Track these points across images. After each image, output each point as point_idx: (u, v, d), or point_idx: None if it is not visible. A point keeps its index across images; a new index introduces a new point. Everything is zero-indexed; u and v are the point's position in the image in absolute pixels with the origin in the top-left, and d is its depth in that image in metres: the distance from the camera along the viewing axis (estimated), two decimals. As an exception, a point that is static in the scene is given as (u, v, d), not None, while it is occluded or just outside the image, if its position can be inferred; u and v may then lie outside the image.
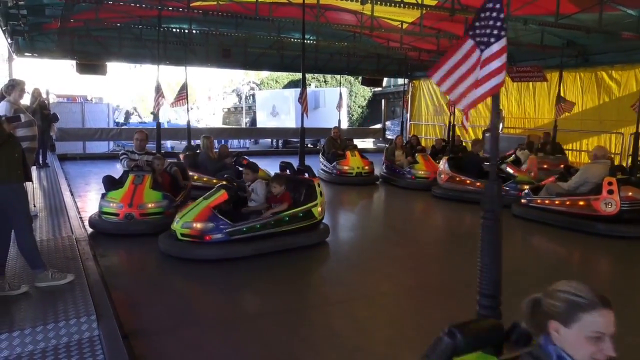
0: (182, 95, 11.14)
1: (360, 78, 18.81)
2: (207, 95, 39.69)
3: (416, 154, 11.19)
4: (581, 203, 7.19)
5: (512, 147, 13.23)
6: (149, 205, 6.52)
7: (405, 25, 12.57)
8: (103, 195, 6.60)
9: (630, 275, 5.67)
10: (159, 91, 9.25)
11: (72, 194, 8.91)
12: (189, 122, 11.47)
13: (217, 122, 36.32)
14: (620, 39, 10.57)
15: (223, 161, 9.46)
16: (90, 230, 6.53)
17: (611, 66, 12.77)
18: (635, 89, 12.68)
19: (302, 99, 8.28)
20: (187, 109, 11.34)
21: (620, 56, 12.41)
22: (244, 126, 33.45)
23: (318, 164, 11.92)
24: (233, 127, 32.81)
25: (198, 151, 9.93)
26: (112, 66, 17.38)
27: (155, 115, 8.66)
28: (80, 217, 7.13)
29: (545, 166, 11.24)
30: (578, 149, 13.93)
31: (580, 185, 7.37)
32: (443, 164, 9.99)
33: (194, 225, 5.53)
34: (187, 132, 11.36)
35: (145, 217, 6.46)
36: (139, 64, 23.07)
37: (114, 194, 6.50)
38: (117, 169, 14.19)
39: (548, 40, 12.12)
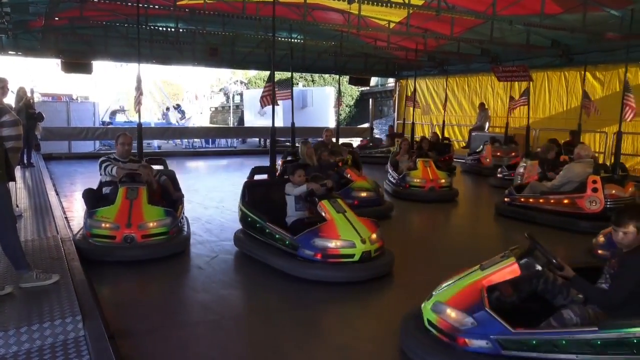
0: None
1: (347, 77, 18.81)
2: (194, 94, 39.45)
3: (417, 159, 9.84)
4: (565, 201, 7.28)
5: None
6: (151, 225, 5.48)
7: (392, 25, 12.61)
8: (91, 214, 5.49)
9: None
10: (139, 89, 8.20)
11: (57, 194, 8.82)
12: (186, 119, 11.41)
13: (204, 121, 36.15)
14: (603, 39, 10.70)
15: (326, 172, 7.71)
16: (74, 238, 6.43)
17: (595, 66, 12.94)
18: (618, 89, 12.85)
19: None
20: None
21: (603, 56, 12.57)
22: (231, 125, 33.34)
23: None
24: (221, 126, 32.72)
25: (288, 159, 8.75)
26: (98, 65, 17.26)
27: (139, 115, 7.96)
28: (66, 217, 7.06)
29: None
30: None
31: (564, 184, 7.45)
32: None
33: (448, 312, 3.24)
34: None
35: (148, 239, 5.43)
36: (126, 63, 22.87)
37: (105, 212, 5.44)
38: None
39: (533, 40, 12.23)
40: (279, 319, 4.20)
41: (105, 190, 5.99)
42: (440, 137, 14.74)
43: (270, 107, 7.13)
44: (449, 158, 13.48)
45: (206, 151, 19.77)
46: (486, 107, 16.30)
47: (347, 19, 12.27)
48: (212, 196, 9.34)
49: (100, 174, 6.13)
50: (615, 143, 8.40)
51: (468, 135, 16.13)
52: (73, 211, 7.87)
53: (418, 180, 9.46)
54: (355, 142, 21.56)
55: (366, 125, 23.68)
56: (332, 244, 4.86)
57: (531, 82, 13.29)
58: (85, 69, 14.52)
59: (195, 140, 22.33)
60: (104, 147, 20.56)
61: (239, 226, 6.19)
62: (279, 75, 35.18)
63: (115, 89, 31.50)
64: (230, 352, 3.55)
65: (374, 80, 26.79)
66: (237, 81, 38.27)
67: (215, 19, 12.28)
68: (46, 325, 3.28)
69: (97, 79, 28.32)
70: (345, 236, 4.91)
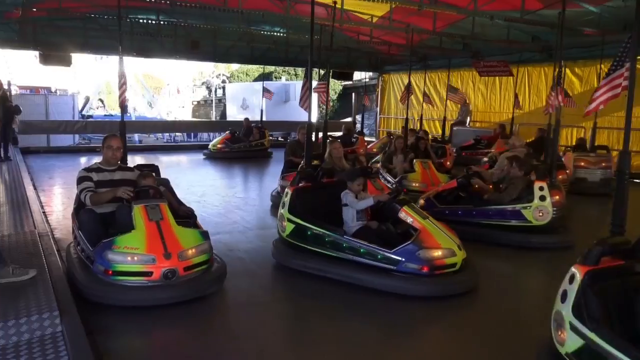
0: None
1: (330, 71, 18.79)
2: (176, 88, 39.09)
3: (414, 160, 8.99)
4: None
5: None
6: (190, 252, 4.23)
7: (375, 19, 12.63)
8: (107, 245, 4.09)
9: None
10: (122, 78, 6.74)
11: (35, 188, 8.68)
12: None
13: (186, 115, 35.87)
14: (582, 35, 10.85)
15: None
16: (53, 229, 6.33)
17: (574, 62, 13.11)
18: (596, 84, 13.05)
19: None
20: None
21: (582, 52, 12.76)
22: (214, 119, 33.12)
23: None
24: (203, 120, 32.49)
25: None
26: (78, 57, 17.01)
27: (122, 110, 6.79)
28: (44, 212, 6.96)
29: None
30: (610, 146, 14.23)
31: (502, 171, 7.43)
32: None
33: None
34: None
35: (190, 272, 4.20)
36: (106, 55, 22.56)
37: (128, 240, 4.09)
38: (80, 165, 13.96)
39: (514, 36, 12.36)
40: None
41: (101, 209, 4.56)
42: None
43: (252, 101, 6.74)
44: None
45: (188, 145, 19.61)
46: (467, 101, 16.44)
47: (331, 12, 12.23)
48: (194, 191, 9.28)
49: (87, 200, 4.55)
50: (552, 139, 7.50)
51: (450, 130, 16.26)
52: (51, 206, 7.77)
53: (417, 184, 8.58)
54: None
55: (349, 119, 23.72)
56: (437, 253, 4.44)
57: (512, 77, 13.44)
58: (64, 61, 14.26)
59: (177, 134, 22.16)
60: (83, 140, 20.28)
61: (221, 220, 6.19)
62: (262, 70, 35.10)
63: (95, 82, 31.02)
64: (212, 347, 3.54)
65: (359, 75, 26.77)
66: (219, 75, 38.01)
67: (197, 12, 12.16)
68: (22, 321, 3.24)
69: (76, 72, 27.89)
70: (445, 244, 4.54)
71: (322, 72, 17.56)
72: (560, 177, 7.69)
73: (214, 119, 32.95)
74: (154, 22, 12.91)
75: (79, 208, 4.71)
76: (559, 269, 4.19)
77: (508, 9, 10.19)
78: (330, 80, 28.40)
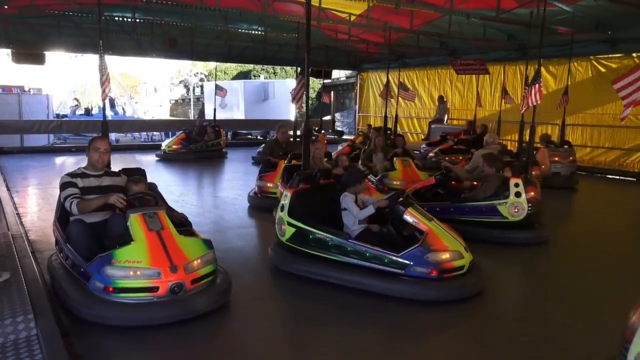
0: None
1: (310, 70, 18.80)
2: (154, 87, 38.66)
3: (394, 158, 8.89)
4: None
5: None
6: (196, 264, 3.91)
7: (353, 18, 12.67)
8: (106, 259, 3.72)
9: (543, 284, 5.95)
10: (104, 74, 6.26)
11: (8, 189, 8.52)
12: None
13: (164, 114, 35.51)
14: (556, 34, 11.04)
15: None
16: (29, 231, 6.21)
17: (548, 60, 13.33)
18: (570, 82, 13.30)
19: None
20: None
21: (556, 50, 12.97)
22: (192, 118, 32.84)
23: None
24: (181, 119, 32.18)
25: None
26: (52, 55, 16.71)
27: (103, 108, 6.64)
28: (18, 214, 6.83)
29: None
30: (516, 139, 14.49)
31: (474, 169, 7.54)
32: None
33: None
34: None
35: (197, 285, 3.89)
36: (80, 54, 22.22)
37: (128, 253, 3.73)
38: (56, 165, 13.75)
39: (490, 34, 12.52)
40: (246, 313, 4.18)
41: (90, 218, 4.20)
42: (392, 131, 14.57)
43: (230, 99, 6.60)
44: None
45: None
46: (445, 99, 16.61)
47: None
48: (172, 190, 9.19)
49: (63, 205, 4.19)
50: (529, 138, 7.45)
51: (428, 127, 16.41)
52: (25, 207, 7.62)
53: (398, 182, 8.49)
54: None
55: (328, 117, 23.75)
56: (446, 256, 4.33)
57: (488, 75, 13.60)
58: (38, 59, 14.00)
59: (155, 133, 21.93)
60: (58, 140, 19.92)
61: (199, 220, 6.12)
62: (240, 68, 34.94)
63: (70, 82, 30.52)
64: (189, 350, 3.52)
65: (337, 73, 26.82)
66: (197, 73, 37.69)
67: (174, 10, 12.06)
68: (-4, 324, 3.17)
69: (51, 71, 27.40)
70: (452, 246, 4.43)
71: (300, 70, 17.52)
72: (534, 172, 7.83)
73: (192, 118, 32.66)
74: (130, 19, 12.75)
75: (63, 218, 4.34)
76: (536, 266, 4.34)
77: (484, 7, 10.33)
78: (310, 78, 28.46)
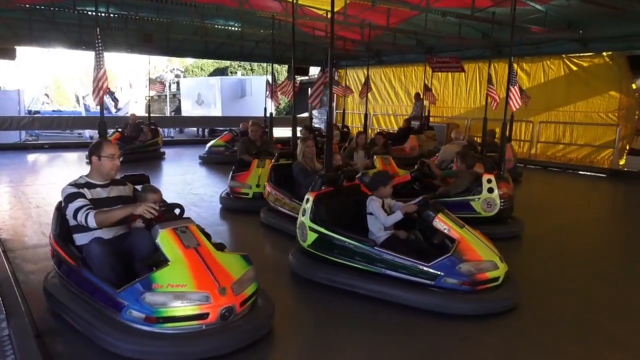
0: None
1: (287, 66, 18.78)
2: (129, 83, 38.09)
3: (375, 156, 8.76)
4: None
5: (437, 135, 13.92)
6: (241, 283, 3.47)
7: (329, 15, 12.66)
8: (144, 285, 3.19)
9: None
10: (100, 68, 5.96)
11: (-22, 188, 8.32)
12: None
13: (139, 111, 34.99)
14: (529, 33, 11.24)
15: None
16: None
17: (522, 58, 13.55)
18: (542, 80, 13.59)
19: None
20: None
21: (529, 49, 13.21)
22: (168, 115, 32.49)
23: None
24: (157, 115, 31.80)
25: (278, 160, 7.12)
26: (23, 51, 16.33)
27: (101, 107, 6.31)
28: (-12, 212, 6.68)
29: None
30: (514, 137, 14.74)
31: (442, 162, 7.98)
32: None
33: None
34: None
35: (244, 307, 3.46)
36: (52, 48, 21.75)
37: (168, 276, 3.22)
38: (28, 162, 13.45)
39: (465, 33, 12.66)
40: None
41: (106, 235, 3.64)
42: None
43: (207, 96, 6.56)
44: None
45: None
46: (422, 97, 16.74)
47: (285, 7, 12.20)
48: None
49: (73, 219, 3.61)
50: (500, 135, 7.63)
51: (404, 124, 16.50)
52: (-4, 205, 7.46)
53: None
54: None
55: (305, 114, 23.73)
56: (479, 267, 4.04)
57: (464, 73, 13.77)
58: (8, 54, 13.66)
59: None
60: (30, 137, 19.51)
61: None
62: (217, 64, 34.66)
63: (41, 77, 29.89)
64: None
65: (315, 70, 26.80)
66: (173, 69, 37.28)
67: (149, 5, 11.89)
68: (-34, 325, 3.10)
69: (22, 66, 26.79)
70: (486, 256, 4.14)
71: (279, 67, 17.45)
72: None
73: (168, 115, 32.31)
74: (103, 14, 12.53)
75: (63, 234, 3.81)
76: (509, 259, 4.40)
77: (459, 6, 10.44)
78: (286, 75, 28.30)
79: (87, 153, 3.76)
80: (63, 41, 14.67)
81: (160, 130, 14.33)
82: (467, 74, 15.12)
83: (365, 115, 11.49)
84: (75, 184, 3.70)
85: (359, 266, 4.31)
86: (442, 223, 4.32)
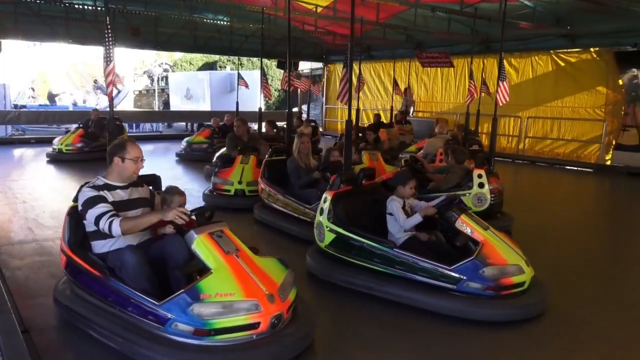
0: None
1: (276, 61, 18.72)
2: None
3: (362, 152, 8.39)
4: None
5: (422, 130, 13.94)
6: (285, 288, 3.33)
7: (319, 9, 12.64)
8: (191, 296, 2.99)
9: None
10: (110, 61, 5.85)
11: (-37, 183, 8.21)
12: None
13: (128, 105, 34.71)
14: (518, 28, 11.30)
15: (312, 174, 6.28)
16: None
17: (511, 54, 13.63)
18: (531, 75, 13.68)
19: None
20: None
21: (518, 44, 13.28)
22: (156, 109, 32.26)
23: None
24: (145, 110, 31.57)
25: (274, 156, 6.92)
26: (8, 44, 16.11)
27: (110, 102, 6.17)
28: (-27, 207, 6.60)
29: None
30: (480, 131, 14.81)
31: (426, 155, 8.16)
32: None
33: None
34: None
35: (290, 313, 3.34)
36: (39, 42, 21.51)
37: (215, 285, 3.05)
38: (14, 157, 13.28)
39: (454, 28, 12.70)
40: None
41: (130, 241, 3.44)
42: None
43: (196, 91, 6.46)
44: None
45: (130, 136, 19.03)
46: (411, 91, 16.80)
47: (275, 2, 12.15)
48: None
49: (93, 225, 3.35)
50: (491, 131, 7.63)
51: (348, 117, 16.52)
52: (-18, 201, 7.37)
53: None
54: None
55: (295, 109, 23.71)
56: (505, 271, 3.86)
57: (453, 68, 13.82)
58: (-7, 47, 13.50)
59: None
60: (16, 132, 19.28)
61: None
62: (206, 59, 34.43)
63: (28, 71, 29.53)
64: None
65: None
66: (162, 63, 36.98)
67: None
68: (-49, 322, 3.06)
69: (8, 60, 26.44)
70: (511, 260, 3.95)
71: (269, 62, 17.36)
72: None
73: (156, 109, 32.09)
74: (91, 7, 12.39)
75: (79, 242, 3.56)
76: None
77: (448, 1, 10.47)
78: (276, 70, 28.20)
79: (107, 154, 3.55)
80: (49, 35, 14.48)
81: (126, 125, 13.70)
82: (456, 69, 15.17)
83: (357, 111, 11.47)
84: (94, 186, 3.43)
85: (377, 268, 4.16)
86: (465, 224, 4.15)
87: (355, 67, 19.16)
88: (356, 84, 12.82)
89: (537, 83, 13.56)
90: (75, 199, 3.55)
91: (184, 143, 12.59)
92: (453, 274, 3.84)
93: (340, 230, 4.38)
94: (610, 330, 3.76)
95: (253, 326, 2.99)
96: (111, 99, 6.01)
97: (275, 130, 11.44)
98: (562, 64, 13.06)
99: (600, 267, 5.37)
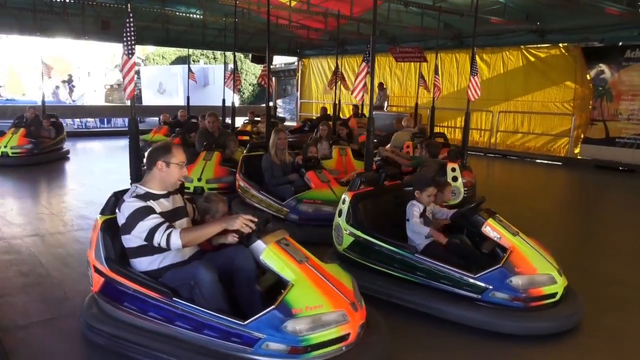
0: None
1: (250, 55, 18.58)
2: (87, 71, 36.98)
3: (333, 147, 8.26)
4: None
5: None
6: (358, 294, 3.25)
7: (293, 3, 12.59)
8: (283, 312, 2.77)
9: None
10: (131, 55, 5.08)
11: None
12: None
13: (99, 100, 34.05)
14: (489, 24, 11.45)
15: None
16: None
17: (482, 49, 13.80)
18: (502, 70, 13.89)
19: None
20: None
21: (489, 39, 13.46)
22: (128, 104, 31.77)
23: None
24: (117, 104, 31.05)
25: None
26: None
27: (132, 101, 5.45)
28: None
29: None
30: (453, 125, 15.05)
31: (394, 147, 8.27)
32: None
33: None
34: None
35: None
36: (5, 35, 20.90)
37: (301, 298, 2.85)
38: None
39: (427, 23, 12.79)
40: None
41: (182, 255, 3.17)
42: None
43: (169, 85, 6.32)
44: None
45: (101, 131, 18.71)
46: (385, 86, 16.87)
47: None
48: (109, 178, 8.90)
49: (143, 240, 3.00)
50: (464, 124, 7.63)
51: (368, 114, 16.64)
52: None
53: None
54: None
55: (270, 104, 23.66)
56: (534, 281, 3.60)
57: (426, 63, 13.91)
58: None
59: (89, 119, 21.04)
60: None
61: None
62: (179, 53, 33.95)
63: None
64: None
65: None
66: (133, 57, 36.34)
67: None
68: None
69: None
70: (542, 269, 3.69)
71: (242, 56, 17.21)
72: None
73: (128, 104, 31.60)
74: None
75: (118, 258, 3.19)
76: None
77: (422, -4, 10.55)
78: (250, 64, 28.03)
79: (146, 159, 3.17)
80: (16, 27, 14.08)
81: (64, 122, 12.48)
82: (430, 65, 15.28)
83: (334, 105, 11.50)
84: (139, 195, 3.05)
85: (397, 274, 3.95)
86: (492, 230, 3.92)
87: (327, 61, 19.21)
88: (331, 79, 12.82)
89: (508, 78, 13.78)
90: (108, 212, 3.27)
91: (141, 142, 11.23)
92: (478, 282, 3.60)
93: (359, 233, 4.15)
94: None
95: (344, 338, 2.84)
96: (133, 99, 5.23)
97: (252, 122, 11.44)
98: (532, 59, 13.30)
99: (570, 257, 5.50)
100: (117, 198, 3.23)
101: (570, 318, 3.61)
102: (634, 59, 11.32)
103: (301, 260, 3.02)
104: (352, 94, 6.95)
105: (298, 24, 15.05)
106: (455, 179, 6.37)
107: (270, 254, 2.95)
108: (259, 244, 2.96)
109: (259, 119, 12.83)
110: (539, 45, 13.13)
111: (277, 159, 6.30)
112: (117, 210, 3.09)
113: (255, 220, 2.98)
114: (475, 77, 7.34)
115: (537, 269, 3.67)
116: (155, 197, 3.10)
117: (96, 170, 9.15)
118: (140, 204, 2.99)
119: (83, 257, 4.95)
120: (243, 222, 2.92)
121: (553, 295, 3.63)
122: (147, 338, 2.97)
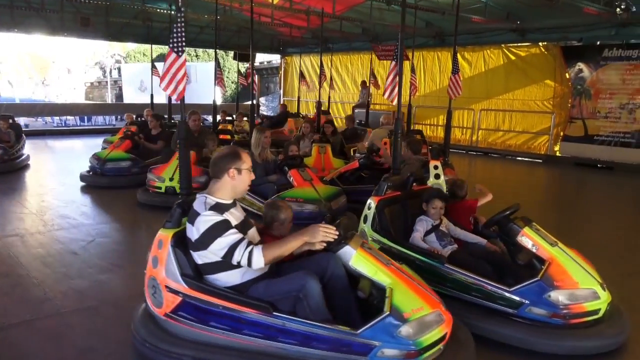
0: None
1: (232, 53, 18.48)
2: (67, 68, 36.46)
3: (313, 144, 8.17)
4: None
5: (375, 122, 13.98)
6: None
7: (276, 1, 12.56)
8: (396, 318, 2.71)
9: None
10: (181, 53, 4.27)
11: None
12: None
13: (79, 98, 33.60)
14: (470, 22, 11.56)
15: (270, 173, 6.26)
16: None
17: (464, 47, 13.93)
18: (483, 69, 14.04)
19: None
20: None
21: (471, 38, 13.59)
22: (109, 102, 31.37)
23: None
24: (97, 102, 30.67)
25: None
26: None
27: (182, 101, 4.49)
28: None
29: None
30: (435, 123, 15.18)
31: (372, 145, 8.12)
32: None
33: None
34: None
35: None
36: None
37: (405, 302, 2.81)
38: None
39: (410, 22, 12.85)
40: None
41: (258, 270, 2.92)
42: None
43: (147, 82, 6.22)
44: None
45: (81, 129, 18.48)
46: (368, 84, 16.93)
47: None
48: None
49: (222, 257, 2.81)
50: (445, 123, 7.67)
51: (351, 112, 16.66)
52: None
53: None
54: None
55: (249, 102, 23.56)
56: (575, 296, 3.31)
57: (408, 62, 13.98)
58: None
59: (69, 117, 20.74)
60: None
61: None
62: (161, 50, 33.64)
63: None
64: (110, 338, 3.43)
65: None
66: (114, 54, 35.94)
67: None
68: None
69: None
70: (584, 283, 3.37)
71: (224, 53, 17.09)
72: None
73: (109, 102, 31.21)
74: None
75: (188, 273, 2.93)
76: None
77: (404, -6, 10.58)
78: (233, 62, 27.82)
79: (213, 167, 2.95)
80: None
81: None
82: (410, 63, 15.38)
83: (319, 103, 11.50)
84: (214, 207, 2.84)
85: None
86: (529, 239, 3.62)
87: (310, 59, 19.18)
88: (319, 77, 12.82)
89: (489, 76, 13.94)
90: (174, 224, 3.08)
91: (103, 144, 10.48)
92: (514, 297, 3.34)
93: (385, 240, 3.92)
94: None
95: (443, 337, 2.83)
96: (182, 100, 4.45)
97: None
98: (513, 58, 13.46)
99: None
100: (183, 210, 3.05)
101: (615, 338, 3.33)
102: (611, 58, 11.53)
103: (388, 263, 2.98)
104: (383, 94, 6.75)
105: (281, 21, 15.02)
106: (437, 176, 6.40)
107: (360, 259, 2.90)
108: (347, 250, 2.90)
109: (230, 118, 12.79)
110: (519, 44, 13.30)
111: (259, 158, 6.26)
112: (188, 224, 2.90)
113: (334, 228, 2.87)
114: (457, 75, 7.39)
115: (578, 282, 3.37)
116: (225, 207, 2.90)
117: (77, 169, 9.01)
118: (217, 218, 2.79)
119: (64, 258, 4.94)
120: (326, 233, 2.83)
121: (596, 311, 3.35)
122: (245, 359, 2.80)
